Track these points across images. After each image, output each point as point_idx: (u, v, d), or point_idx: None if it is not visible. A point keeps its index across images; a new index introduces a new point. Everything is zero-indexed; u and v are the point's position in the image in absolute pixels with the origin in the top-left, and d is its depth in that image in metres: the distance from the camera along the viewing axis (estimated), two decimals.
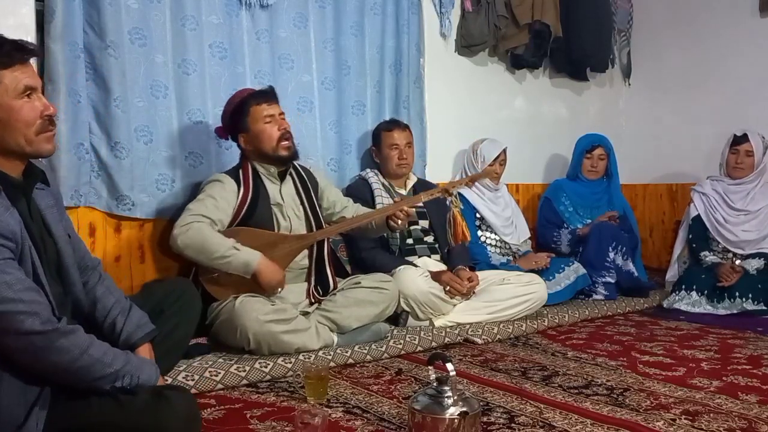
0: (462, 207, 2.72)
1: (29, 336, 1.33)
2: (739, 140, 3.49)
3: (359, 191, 3.06)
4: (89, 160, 2.56)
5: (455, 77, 3.77)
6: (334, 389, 2.03)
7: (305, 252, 2.60)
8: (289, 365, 2.22)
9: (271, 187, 2.60)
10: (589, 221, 3.76)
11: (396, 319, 2.81)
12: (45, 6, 2.41)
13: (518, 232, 3.61)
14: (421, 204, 3.18)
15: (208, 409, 1.85)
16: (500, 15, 3.72)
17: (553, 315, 3.06)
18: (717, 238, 3.53)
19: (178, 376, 2.01)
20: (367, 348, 2.43)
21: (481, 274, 3.05)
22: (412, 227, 3.14)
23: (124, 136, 2.59)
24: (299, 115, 3.10)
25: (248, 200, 2.52)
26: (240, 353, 2.30)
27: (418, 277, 2.80)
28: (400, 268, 2.84)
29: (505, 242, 3.53)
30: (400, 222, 2.59)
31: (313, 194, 2.71)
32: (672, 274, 3.68)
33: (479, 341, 2.65)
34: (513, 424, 1.72)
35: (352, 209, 2.82)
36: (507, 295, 2.95)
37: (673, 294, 3.41)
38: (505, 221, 3.56)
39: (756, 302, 3.16)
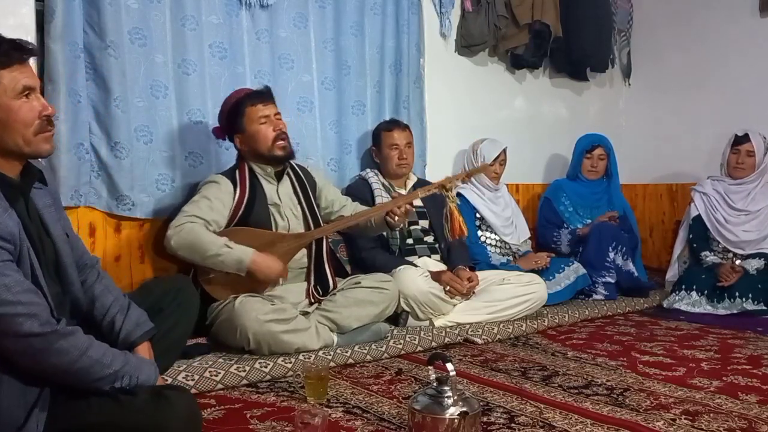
0: (458, 202, 2.72)
1: (28, 338, 1.33)
2: (740, 140, 3.49)
3: (359, 191, 3.06)
4: (89, 160, 2.56)
5: (455, 77, 3.78)
6: (334, 389, 2.03)
7: (304, 251, 2.60)
8: (289, 365, 2.22)
9: (268, 187, 2.60)
10: (589, 221, 3.76)
11: (396, 319, 2.81)
12: (45, 6, 2.41)
13: (518, 232, 3.61)
14: (420, 204, 3.19)
15: (208, 409, 1.85)
16: (500, 15, 3.72)
17: (553, 315, 3.06)
18: (717, 238, 3.53)
19: (178, 376, 2.01)
20: (367, 348, 2.43)
21: (481, 274, 3.05)
22: (412, 227, 3.14)
23: (124, 136, 2.59)
24: (299, 115, 3.10)
25: (245, 200, 2.52)
26: (240, 353, 2.30)
27: (418, 277, 2.80)
28: (400, 268, 2.84)
29: (505, 242, 3.53)
30: (397, 218, 2.59)
31: (310, 193, 2.70)
32: (672, 274, 3.68)
33: (479, 341, 2.65)
34: (513, 424, 1.72)
35: (351, 208, 2.82)
36: (507, 295, 2.95)
37: (673, 294, 3.41)
38: (505, 221, 3.56)
39: (756, 302, 3.16)
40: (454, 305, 2.89)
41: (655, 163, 4.43)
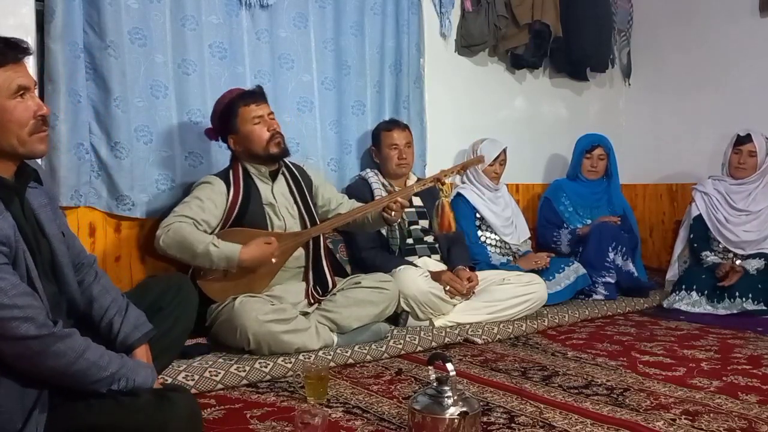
0: (451, 197, 2.70)
1: (25, 341, 1.32)
2: (742, 140, 3.49)
3: (359, 191, 3.06)
4: (89, 160, 2.56)
5: (455, 77, 3.78)
6: (334, 389, 2.03)
7: (301, 251, 2.59)
8: (289, 365, 2.22)
9: (263, 187, 2.60)
10: (589, 221, 3.76)
11: (396, 319, 2.81)
12: (45, 6, 2.41)
13: (518, 232, 3.61)
14: (420, 204, 3.19)
15: (208, 409, 1.85)
16: (500, 15, 3.72)
17: (553, 315, 3.06)
18: (718, 237, 3.53)
19: (178, 376, 2.01)
20: (367, 348, 2.43)
21: (481, 274, 3.05)
22: (412, 227, 3.14)
23: (124, 136, 2.59)
24: (299, 115, 3.10)
25: (239, 201, 2.51)
26: (240, 353, 2.30)
27: (418, 277, 2.80)
28: (400, 268, 2.84)
29: (505, 242, 3.53)
30: (393, 213, 2.57)
31: (306, 192, 2.70)
32: (672, 274, 3.68)
33: (479, 341, 2.65)
34: (513, 424, 1.72)
35: (347, 205, 2.80)
36: (507, 295, 2.95)
37: (673, 294, 3.41)
38: (505, 221, 3.56)
39: (756, 302, 3.16)
40: (454, 305, 2.89)
41: (655, 163, 4.43)
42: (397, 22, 3.41)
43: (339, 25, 3.23)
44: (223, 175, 2.57)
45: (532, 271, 3.26)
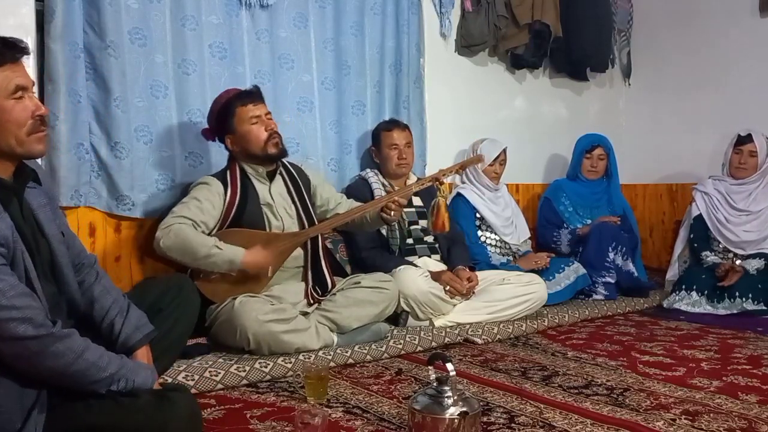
0: (448, 197, 2.70)
1: (23, 341, 1.32)
2: (743, 140, 3.49)
3: (359, 191, 3.05)
4: (89, 160, 2.56)
5: (455, 77, 3.78)
6: (334, 389, 2.03)
7: (300, 251, 2.59)
8: (289, 365, 2.22)
9: (261, 188, 2.59)
10: (589, 221, 3.76)
11: (396, 319, 2.81)
12: (45, 6, 2.41)
13: (518, 232, 3.61)
14: (420, 204, 3.19)
15: (208, 409, 1.85)
16: (500, 15, 3.72)
17: (553, 315, 3.06)
18: (718, 237, 3.53)
19: (178, 376, 2.01)
20: (367, 348, 2.43)
21: (481, 274, 3.05)
22: (412, 227, 3.14)
23: (124, 136, 2.59)
24: (299, 115, 3.10)
25: (236, 201, 2.50)
26: (240, 353, 2.30)
27: (418, 277, 2.80)
28: (400, 268, 2.84)
29: (505, 242, 3.53)
30: (392, 213, 2.57)
31: (304, 192, 2.69)
32: (672, 274, 3.68)
33: (479, 341, 2.65)
34: (513, 424, 1.72)
35: (346, 205, 2.80)
36: (507, 295, 2.95)
37: (673, 294, 3.41)
38: (505, 221, 3.56)
39: (756, 302, 3.16)
40: (454, 305, 2.89)
41: (655, 163, 4.43)
42: (397, 22, 3.41)
43: (339, 25, 3.23)
44: (221, 176, 2.56)
45: (532, 271, 3.26)
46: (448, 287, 2.87)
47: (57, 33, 2.40)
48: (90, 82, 2.55)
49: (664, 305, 3.40)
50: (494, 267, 3.31)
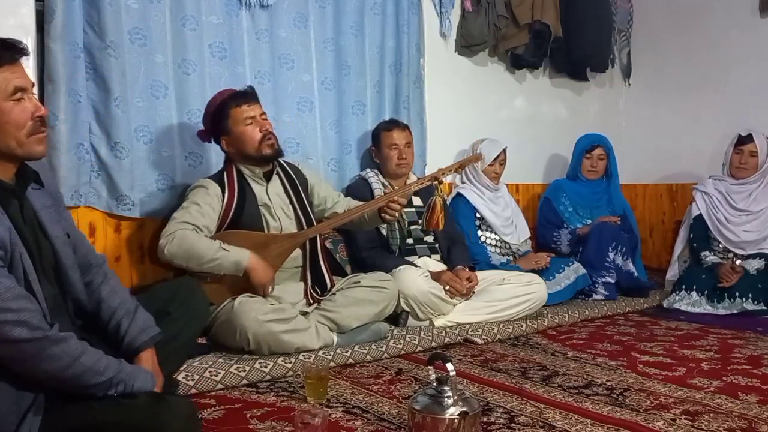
0: (446, 197, 2.70)
1: (19, 344, 1.32)
2: (743, 140, 3.49)
3: (359, 191, 3.06)
4: (89, 160, 2.56)
5: (455, 77, 3.78)
6: (334, 389, 2.03)
7: (298, 251, 2.59)
8: (289, 365, 2.21)
9: (258, 188, 2.58)
10: (589, 221, 3.76)
11: (396, 319, 2.80)
12: (45, 6, 2.41)
13: (518, 232, 3.61)
14: (420, 204, 3.19)
15: (208, 409, 1.85)
16: (500, 15, 3.72)
17: (553, 315, 3.06)
18: (718, 237, 3.52)
19: (179, 376, 2.01)
20: (367, 348, 2.43)
21: (481, 274, 3.05)
22: (412, 227, 3.14)
23: (124, 136, 2.59)
24: (299, 115, 3.10)
25: (234, 203, 2.50)
26: (240, 353, 2.30)
27: (418, 277, 2.80)
28: (400, 268, 2.84)
29: (505, 242, 3.53)
30: (392, 213, 2.56)
31: (302, 192, 2.68)
32: (672, 274, 3.68)
33: (479, 341, 2.65)
34: (513, 424, 1.72)
35: (344, 204, 2.80)
36: (507, 295, 2.95)
37: (673, 294, 3.41)
38: (505, 221, 3.56)
39: (756, 302, 3.16)
40: (454, 305, 2.89)
41: (655, 163, 4.43)
42: (397, 22, 3.41)
43: (339, 25, 3.23)
44: (217, 178, 2.55)
45: (532, 271, 3.26)
46: (447, 287, 2.86)
47: (57, 33, 2.40)
48: (90, 82, 2.55)
49: (664, 305, 3.40)
50: (494, 267, 3.31)
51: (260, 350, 2.29)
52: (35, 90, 1.53)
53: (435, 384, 1.57)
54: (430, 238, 3.17)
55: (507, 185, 3.73)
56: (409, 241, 3.11)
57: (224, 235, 2.45)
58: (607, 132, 4.00)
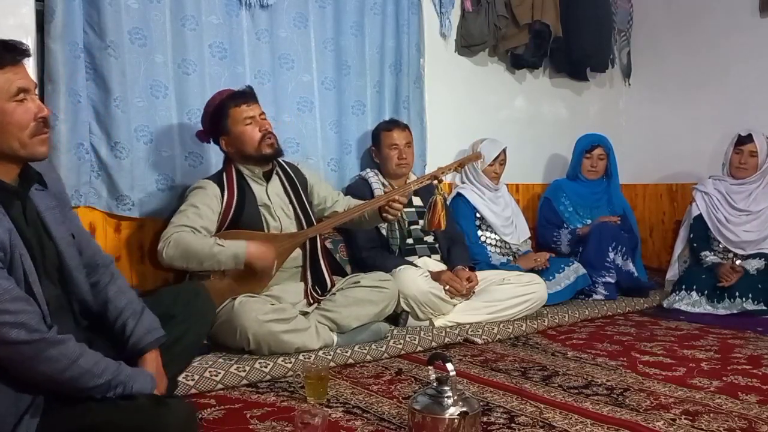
0: (446, 195, 2.69)
1: (17, 346, 1.31)
2: (743, 140, 3.49)
3: (359, 191, 3.05)
4: (89, 160, 2.56)
5: (455, 77, 3.78)
6: (334, 389, 2.03)
7: (299, 251, 2.58)
8: (289, 365, 2.22)
9: (257, 188, 2.58)
10: (589, 221, 3.76)
11: (396, 319, 2.81)
12: (45, 6, 2.41)
13: (518, 232, 3.61)
14: (420, 204, 3.19)
15: (208, 409, 1.85)
16: (500, 15, 3.72)
17: (553, 315, 3.06)
18: (718, 237, 3.53)
19: (179, 376, 2.01)
20: (367, 348, 2.43)
21: (481, 274, 3.05)
22: (412, 227, 3.14)
23: (124, 136, 2.59)
24: (299, 115, 3.10)
25: (234, 203, 2.49)
26: (240, 353, 2.30)
27: (418, 277, 2.80)
28: (400, 268, 2.84)
29: (505, 242, 3.53)
30: (391, 212, 2.56)
31: (301, 191, 2.68)
32: (672, 274, 3.68)
33: (479, 341, 2.65)
34: (513, 424, 1.72)
35: (343, 203, 2.80)
36: (507, 295, 2.95)
37: (673, 294, 3.41)
38: (505, 221, 3.56)
39: (756, 302, 3.16)
40: (454, 305, 2.89)
41: (655, 163, 4.43)
42: (397, 22, 3.41)
43: (339, 25, 3.23)
44: (216, 178, 2.55)
45: (532, 270, 3.27)
46: (447, 287, 2.86)
47: (57, 33, 2.40)
48: (90, 82, 2.55)
49: (664, 305, 3.40)
50: (494, 267, 3.31)
51: (260, 350, 2.29)
52: (36, 91, 1.52)
53: (435, 384, 1.57)
54: (430, 238, 3.17)
55: (507, 185, 3.73)
56: (409, 241, 3.11)
57: (224, 235, 2.45)
58: (607, 132, 4.00)
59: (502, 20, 3.75)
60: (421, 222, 3.16)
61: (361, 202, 2.76)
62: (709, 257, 3.47)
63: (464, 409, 1.51)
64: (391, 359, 2.42)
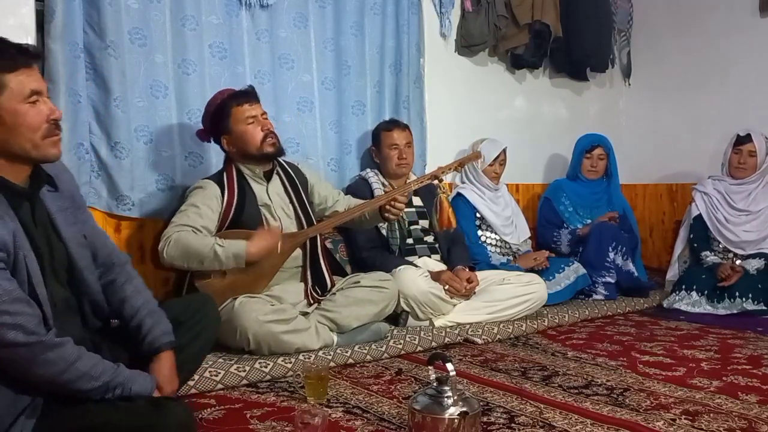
0: (449, 194, 2.69)
1: (14, 348, 1.32)
2: (742, 140, 3.49)
3: (359, 191, 3.05)
4: (89, 160, 2.56)
5: (455, 77, 3.78)
6: (334, 389, 2.03)
7: (299, 251, 2.58)
8: (289, 365, 2.22)
9: (258, 188, 2.58)
10: (589, 221, 3.76)
11: (396, 319, 2.81)
12: (45, 6, 2.41)
13: (518, 232, 3.61)
14: (420, 204, 3.20)
15: (208, 409, 1.85)
16: (500, 15, 3.72)
17: (553, 315, 3.06)
18: (718, 237, 3.53)
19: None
20: (367, 348, 2.43)
21: (481, 274, 3.05)
22: (412, 227, 3.14)
23: (124, 136, 2.60)
24: (299, 115, 3.10)
25: (234, 203, 2.49)
26: (240, 353, 2.30)
27: (418, 277, 2.80)
28: (400, 268, 2.84)
29: (505, 242, 3.53)
30: (393, 212, 2.56)
31: (302, 191, 2.68)
32: (672, 274, 3.68)
33: (479, 341, 2.65)
34: (513, 424, 1.72)
35: (344, 202, 2.80)
36: (507, 295, 2.95)
37: (673, 294, 3.41)
38: (505, 221, 3.56)
39: (756, 302, 3.16)
40: (454, 305, 2.89)
41: (655, 163, 4.43)
42: (397, 22, 3.41)
43: (339, 25, 3.23)
44: (217, 178, 2.55)
45: (532, 270, 3.26)
46: (447, 287, 2.86)
47: (57, 33, 2.40)
48: (90, 82, 2.55)
49: (664, 305, 3.40)
50: (494, 267, 3.31)
51: (260, 350, 2.29)
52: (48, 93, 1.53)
53: (435, 384, 1.57)
54: (430, 238, 3.17)
55: (507, 185, 3.73)
56: (409, 241, 3.11)
57: (225, 234, 2.45)
58: (607, 132, 4.00)
59: (502, 20, 3.75)
60: (421, 222, 3.17)
61: (362, 201, 2.75)
62: (710, 257, 3.48)
63: (464, 409, 1.51)
64: (391, 359, 2.42)
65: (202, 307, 1.87)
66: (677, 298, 3.36)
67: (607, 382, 2.10)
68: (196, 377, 2.02)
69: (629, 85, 4.63)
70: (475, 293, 2.96)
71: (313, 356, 2.31)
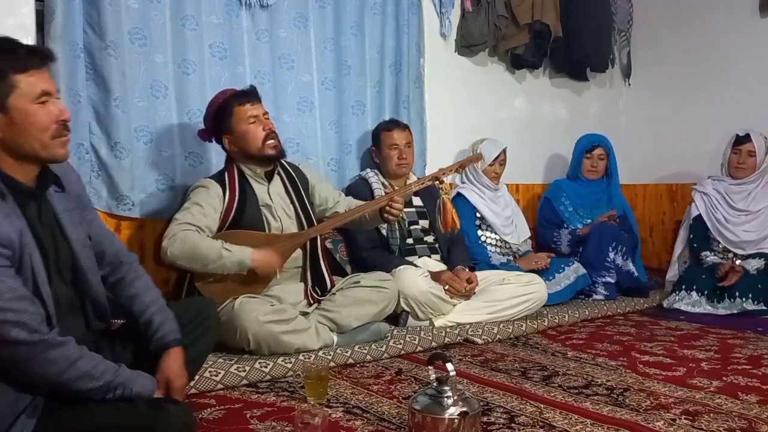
0: (452, 194, 2.69)
1: (15, 345, 1.32)
2: (741, 140, 3.49)
3: (359, 191, 3.05)
4: (89, 160, 2.56)
5: (455, 77, 3.78)
6: (334, 389, 2.03)
7: (299, 251, 2.58)
8: (289, 365, 2.22)
9: (259, 188, 2.58)
10: (589, 221, 3.76)
11: (396, 319, 2.81)
12: (45, 6, 2.41)
13: (518, 232, 3.61)
14: (420, 204, 3.19)
15: (208, 409, 1.85)
16: (500, 15, 3.72)
17: (553, 315, 3.06)
18: (718, 237, 3.53)
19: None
20: (367, 348, 2.43)
21: (481, 274, 3.05)
22: (412, 227, 3.14)
23: (124, 136, 2.60)
24: (299, 115, 3.10)
25: (235, 203, 2.49)
26: (240, 353, 2.30)
27: (418, 277, 2.80)
28: (400, 268, 2.84)
29: (506, 242, 3.53)
30: (393, 212, 2.56)
31: (303, 192, 2.68)
32: (672, 274, 3.68)
33: (479, 341, 2.65)
34: (513, 424, 1.72)
35: (345, 203, 2.79)
36: (507, 295, 2.95)
37: (673, 294, 3.41)
38: (505, 221, 3.56)
39: (756, 302, 3.16)
40: (454, 305, 2.89)
41: (655, 163, 4.43)
42: (397, 22, 3.41)
43: (339, 25, 3.23)
44: (218, 178, 2.55)
45: (532, 271, 3.26)
46: (447, 287, 2.86)
47: (57, 33, 2.40)
48: (90, 82, 2.55)
49: (664, 305, 3.40)
50: (494, 267, 3.32)
51: (260, 350, 2.29)
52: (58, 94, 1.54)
53: (435, 384, 1.57)
54: (430, 238, 3.17)
55: (507, 185, 3.73)
56: (409, 241, 3.11)
57: (225, 235, 2.44)
58: (607, 132, 4.00)
59: (502, 20, 3.75)
60: (421, 222, 3.17)
61: (363, 202, 2.75)
62: (710, 257, 3.48)
63: (464, 409, 1.51)
64: (391, 359, 2.42)
65: (203, 310, 1.87)
66: (677, 298, 3.36)
67: (607, 382, 2.10)
68: (196, 377, 2.01)
69: (629, 85, 4.63)
70: (475, 293, 2.96)
71: (313, 356, 2.31)
